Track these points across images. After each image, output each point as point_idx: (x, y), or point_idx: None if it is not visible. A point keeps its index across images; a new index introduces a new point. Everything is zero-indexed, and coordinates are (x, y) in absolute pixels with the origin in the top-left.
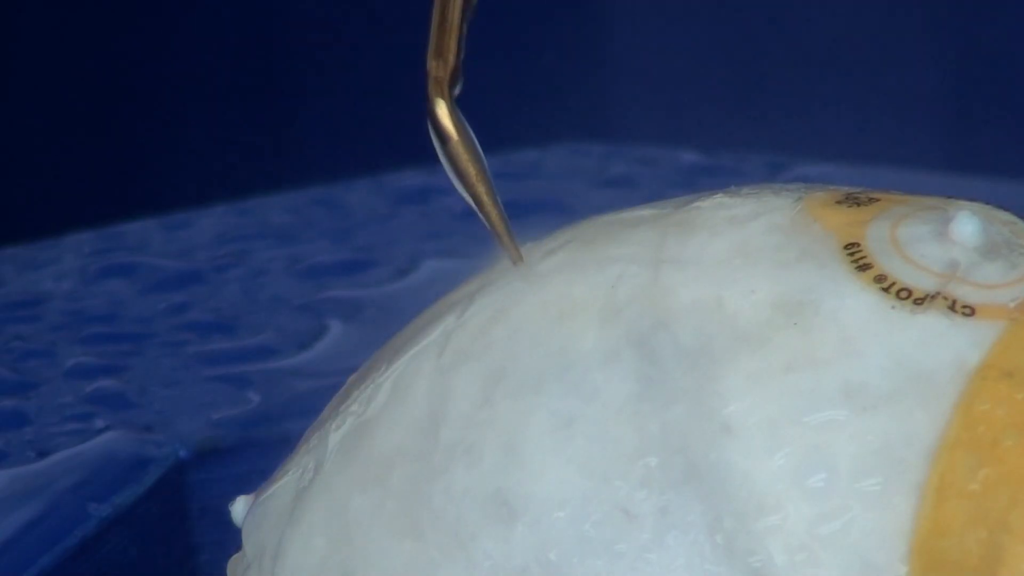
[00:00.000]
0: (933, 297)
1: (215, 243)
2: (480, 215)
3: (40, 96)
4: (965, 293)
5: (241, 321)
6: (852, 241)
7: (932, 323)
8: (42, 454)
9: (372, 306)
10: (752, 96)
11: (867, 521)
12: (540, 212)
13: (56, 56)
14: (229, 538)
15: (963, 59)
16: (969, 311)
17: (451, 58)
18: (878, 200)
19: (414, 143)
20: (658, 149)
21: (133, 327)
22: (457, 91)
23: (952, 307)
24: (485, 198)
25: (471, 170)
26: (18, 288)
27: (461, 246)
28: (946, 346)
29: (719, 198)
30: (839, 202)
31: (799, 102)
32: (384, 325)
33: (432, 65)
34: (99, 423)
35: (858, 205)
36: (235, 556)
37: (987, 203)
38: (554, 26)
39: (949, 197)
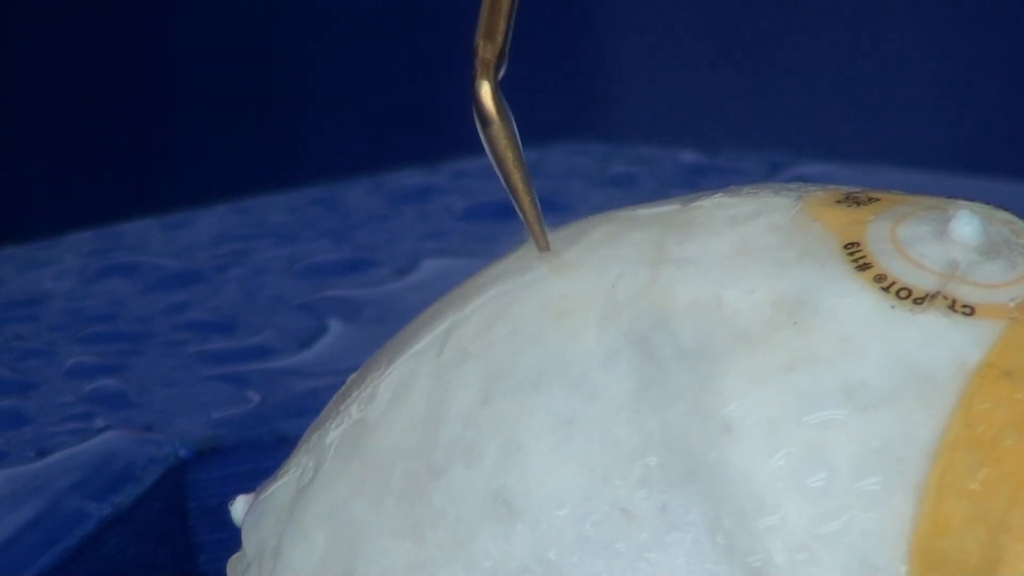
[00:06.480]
0: (933, 296)
1: (215, 243)
2: (513, 201)
3: (40, 96)
4: (965, 293)
5: (241, 321)
6: (852, 241)
7: (932, 322)
8: (42, 454)
9: (372, 306)
10: (752, 96)
11: (867, 521)
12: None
13: (56, 56)
14: (229, 538)
15: (963, 59)
16: (969, 310)
17: (500, 40)
18: (878, 200)
19: (414, 143)
20: (658, 149)
21: (133, 327)
22: (501, 74)
23: (952, 306)
24: (520, 184)
25: (509, 155)
26: (18, 288)
27: (461, 246)
28: (946, 345)
29: (719, 198)
30: (839, 202)
31: (799, 102)
32: (384, 325)
33: (480, 46)
34: (99, 423)
35: (858, 205)
36: (235, 556)
37: (987, 203)
38: (554, 26)
39: (949, 197)
